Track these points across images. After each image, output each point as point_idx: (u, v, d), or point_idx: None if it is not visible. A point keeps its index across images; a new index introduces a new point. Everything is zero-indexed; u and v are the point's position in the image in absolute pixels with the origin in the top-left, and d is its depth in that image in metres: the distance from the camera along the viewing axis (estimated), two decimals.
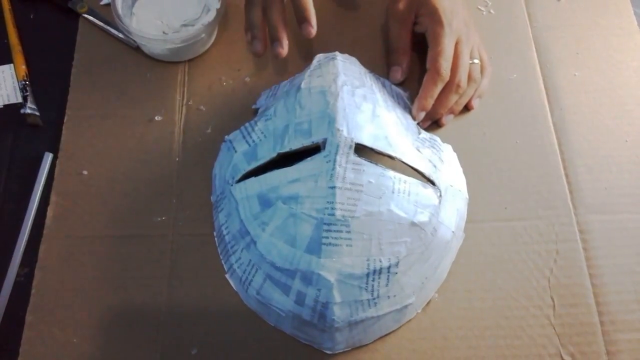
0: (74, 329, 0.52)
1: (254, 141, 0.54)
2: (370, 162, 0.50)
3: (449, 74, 0.56)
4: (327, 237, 0.48)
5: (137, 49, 0.64)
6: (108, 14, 0.61)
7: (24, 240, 0.55)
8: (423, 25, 0.58)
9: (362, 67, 0.58)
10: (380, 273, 0.49)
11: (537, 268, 0.54)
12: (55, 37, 0.65)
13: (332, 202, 0.48)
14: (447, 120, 0.60)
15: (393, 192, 0.49)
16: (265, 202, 0.50)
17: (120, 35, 0.64)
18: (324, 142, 0.50)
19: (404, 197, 0.50)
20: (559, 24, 0.66)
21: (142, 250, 0.55)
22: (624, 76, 0.63)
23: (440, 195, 0.52)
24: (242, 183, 0.53)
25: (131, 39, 0.62)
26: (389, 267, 0.49)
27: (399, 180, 0.50)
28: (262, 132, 0.54)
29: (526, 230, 0.55)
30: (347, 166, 0.49)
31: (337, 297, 0.48)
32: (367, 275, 0.48)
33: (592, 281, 0.53)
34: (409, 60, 0.61)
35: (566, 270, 0.54)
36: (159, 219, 0.56)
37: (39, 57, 0.64)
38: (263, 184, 0.51)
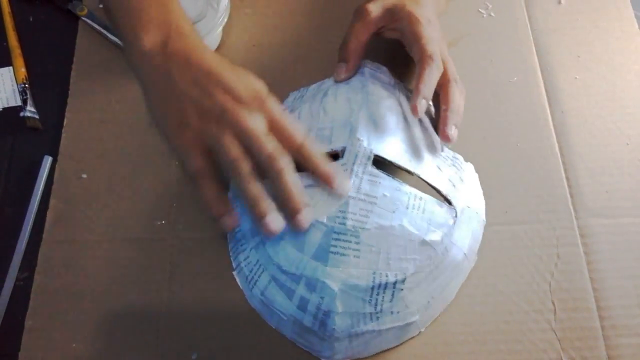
0: (74, 334, 0.51)
1: None
2: (388, 175, 0.49)
3: (439, 56, 0.53)
4: (335, 246, 0.47)
5: None
6: None
7: (24, 244, 0.55)
8: (398, 30, 0.55)
9: (391, 77, 0.56)
10: (385, 288, 0.48)
11: (538, 272, 0.54)
12: (54, 39, 0.65)
13: (344, 212, 0.47)
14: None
15: (407, 208, 0.49)
16: None
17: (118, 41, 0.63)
18: (343, 150, 0.49)
19: (418, 213, 0.49)
20: (559, 26, 0.66)
21: (142, 254, 0.54)
22: (625, 79, 0.63)
23: (456, 216, 0.51)
24: None
25: None
26: (394, 283, 0.48)
27: (415, 196, 0.49)
28: None
29: (527, 234, 0.55)
30: (364, 177, 0.48)
31: (339, 306, 0.47)
32: (372, 288, 0.48)
33: (593, 285, 0.53)
34: (357, 61, 0.56)
35: (567, 275, 0.54)
36: (159, 222, 0.56)
37: (39, 60, 0.64)
38: None
